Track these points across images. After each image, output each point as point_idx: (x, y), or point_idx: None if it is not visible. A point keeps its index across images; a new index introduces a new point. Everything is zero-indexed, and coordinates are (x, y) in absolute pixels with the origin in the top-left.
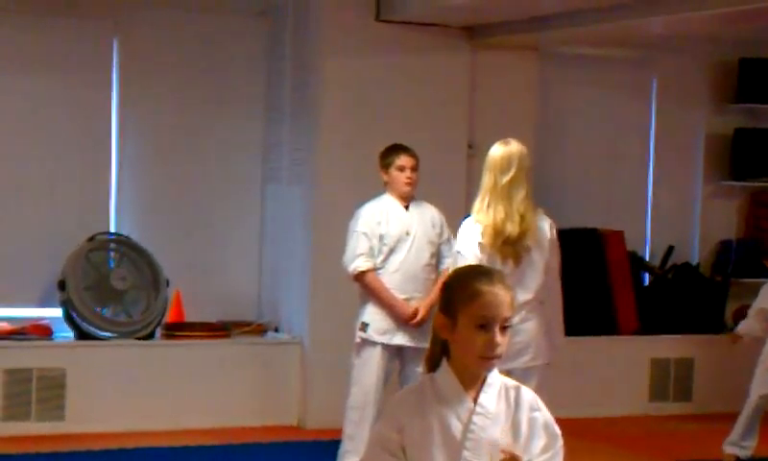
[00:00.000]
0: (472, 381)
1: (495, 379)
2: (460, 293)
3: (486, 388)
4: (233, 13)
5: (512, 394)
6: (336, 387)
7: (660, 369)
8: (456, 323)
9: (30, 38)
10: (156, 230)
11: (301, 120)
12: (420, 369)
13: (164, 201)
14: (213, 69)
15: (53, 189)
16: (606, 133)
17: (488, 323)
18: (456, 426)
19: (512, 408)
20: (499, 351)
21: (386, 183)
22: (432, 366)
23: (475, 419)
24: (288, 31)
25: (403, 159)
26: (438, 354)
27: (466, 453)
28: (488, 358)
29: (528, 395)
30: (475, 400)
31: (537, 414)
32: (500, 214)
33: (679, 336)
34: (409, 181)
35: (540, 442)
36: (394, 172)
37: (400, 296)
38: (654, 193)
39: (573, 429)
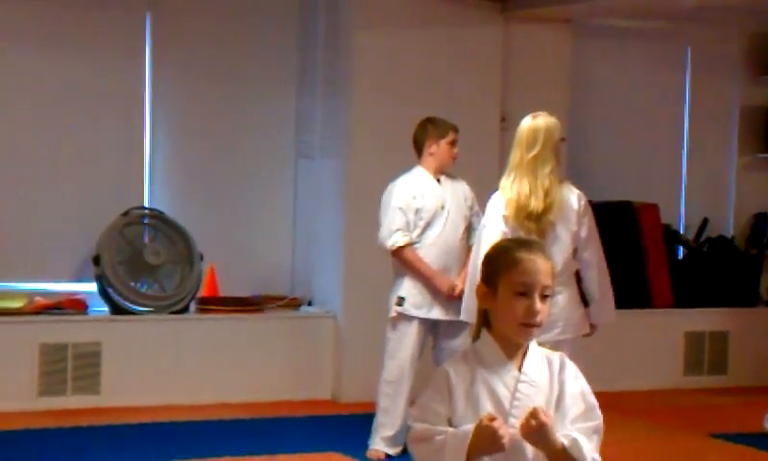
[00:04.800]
0: (514, 351)
1: (536, 349)
2: (500, 262)
3: (529, 358)
4: None
5: (555, 363)
6: (370, 361)
7: (695, 342)
8: (497, 291)
9: (62, 15)
10: (189, 205)
11: (334, 94)
12: (455, 342)
13: (198, 176)
14: (246, 43)
15: (87, 164)
16: (640, 105)
17: (527, 290)
18: (503, 393)
19: (555, 378)
20: (539, 318)
21: (429, 155)
22: (476, 337)
23: (521, 387)
24: (320, 4)
25: (454, 134)
26: (480, 325)
27: (512, 420)
28: (528, 325)
29: (570, 364)
30: (519, 369)
31: (576, 382)
32: (525, 189)
33: (713, 309)
34: (455, 156)
35: (576, 409)
36: (444, 146)
37: (438, 269)
38: (688, 166)
39: (607, 403)
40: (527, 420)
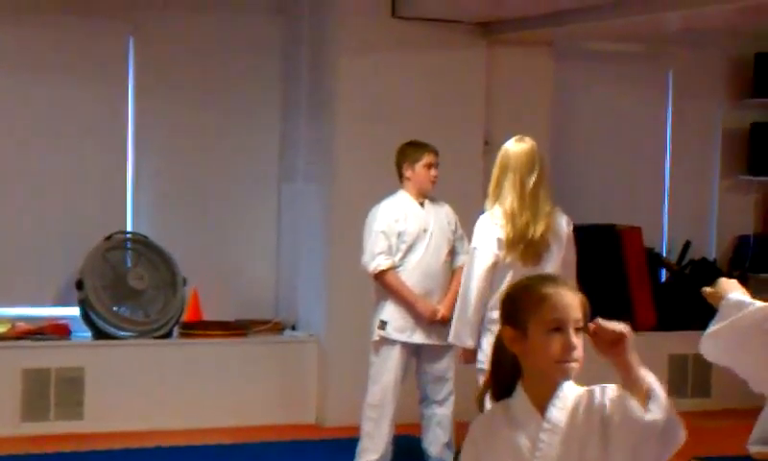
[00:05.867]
0: (547, 396)
1: (570, 391)
2: (526, 300)
3: (555, 401)
4: (249, 12)
5: (596, 394)
6: (354, 385)
7: (679, 365)
8: (526, 332)
9: (45, 38)
10: (172, 230)
11: (317, 118)
12: (439, 365)
13: (181, 200)
14: (229, 67)
15: (70, 189)
16: (622, 128)
17: (561, 325)
18: (525, 445)
19: (595, 407)
20: (576, 354)
21: (406, 179)
22: (500, 391)
23: (542, 435)
24: (304, 28)
25: (431, 157)
26: (506, 377)
27: None
28: (566, 362)
29: (609, 389)
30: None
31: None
32: (527, 217)
33: (697, 332)
34: (434, 179)
35: (633, 404)
36: (420, 169)
37: (419, 293)
38: (671, 189)
39: None
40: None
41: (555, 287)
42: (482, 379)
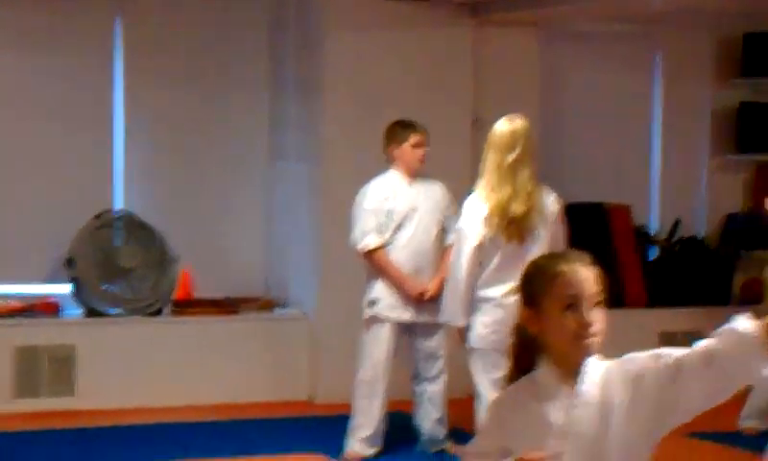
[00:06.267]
0: (573, 372)
1: (595, 367)
2: (539, 279)
3: (583, 378)
4: None
5: (618, 378)
6: (345, 362)
7: (669, 342)
8: (541, 311)
9: (32, 16)
10: (162, 208)
11: (306, 97)
12: (430, 343)
13: (171, 178)
14: (218, 46)
15: (59, 167)
16: (611, 107)
17: (575, 301)
18: (557, 420)
19: (630, 387)
20: (594, 329)
21: (395, 159)
22: (520, 370)
23: (573, 411)
24: (291, 7)
25: (418, 137)
26: (528, 355)
27: (565, 446)
28: (583, 338)
29: (627, 364)
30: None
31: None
32: (506, 193)
33: (687, 309)
34: (422, 158)
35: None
36: (407, 148)
37: (409, 272)
38: (660, 167)
39: None
40: None
41: (568, 264)
42: (473, 358)
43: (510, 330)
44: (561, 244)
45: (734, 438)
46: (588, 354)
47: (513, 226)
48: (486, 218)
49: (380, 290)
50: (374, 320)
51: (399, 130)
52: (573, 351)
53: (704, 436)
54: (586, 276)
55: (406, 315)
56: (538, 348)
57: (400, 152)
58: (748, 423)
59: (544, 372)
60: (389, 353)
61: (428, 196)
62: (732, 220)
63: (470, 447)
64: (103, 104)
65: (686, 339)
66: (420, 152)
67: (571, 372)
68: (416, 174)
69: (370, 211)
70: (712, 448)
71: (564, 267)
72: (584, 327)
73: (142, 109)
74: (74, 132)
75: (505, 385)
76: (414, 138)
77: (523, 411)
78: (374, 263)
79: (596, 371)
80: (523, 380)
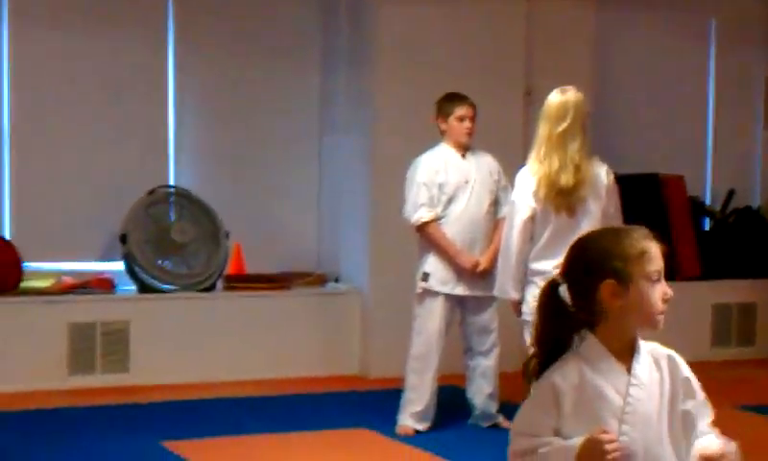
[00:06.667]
0: (622, 352)
1: (644, 347)
2: (630, 253)
3: (638, 358)
4: None
5: (664, 362)
6: (397, 336)
7: (723, 314)
8: (630, 285)
9: None
10: (214, 184)
11: (358, 70)
12: (482, 317)
13: (222, 154)
14: (269, 20)
15: (112, 144)
16: (665, 76)
17: (660, 276)
18: (614, 399)
19: (667, 378)
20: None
21: (443, 132)
22: (549, 352)
23: (632, 391)
24: None
25: (463, 109)
26: (561, 335)
27: (624, 427)
28: (662, 313)
29: (681, 360)
30: (629, 371)
31: (690, 377)
32: (555, 165)
33: (741, 281)
34: (468, 131)
35: (701, 407)
36: (453, 122)
37: (462, 245)
38: (714, 137)
39: None
40: None
41: (647, 239)
42: (527, 332)
43: (544, 301)
44: (614, 217)
45: None
46: (659, 328)
47: (561, 198)
48: (534, 191)
49: (433, 264)
50: (427, 294)
51: (446, 103)
52: (653, 325)
53: (758, 410)
54: (660, 251)
55: (459, 289)
56: (576, 323)
57: (447, 125)
58: None
59: (596, 350)
60: (441, 328)
61: (480, 168)
62: None
63: (521, 424)
64: (156, 80)
65: (740, 310)
66: (466, 125)
67: (625, 349)
68: (465, 147)
69: (422, 184)
70: (767, 420)
71: (647, 242)
72: (667, 300)
73: (194, 85)
74: (128, 109)
75: (536, 357)
76: (459, 111)
77: (586, 386)
78: (427, 237)
79: (646, 353)
80: (571, 357)
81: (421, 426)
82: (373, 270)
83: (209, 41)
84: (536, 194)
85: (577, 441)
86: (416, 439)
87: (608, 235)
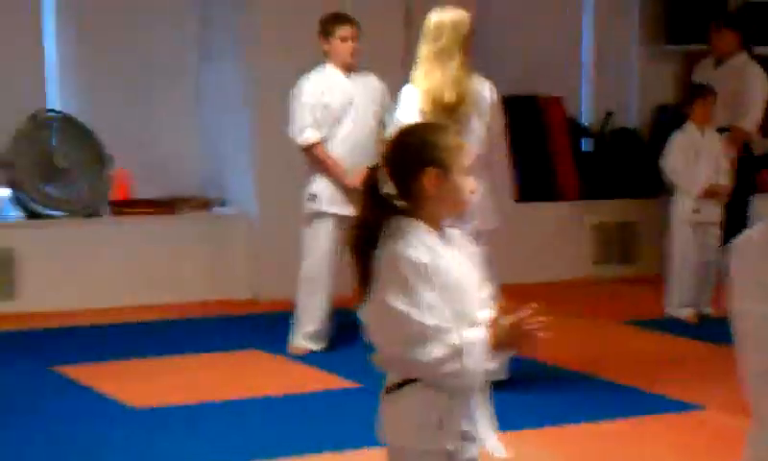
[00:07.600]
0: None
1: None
2: (450, 145)
3: (448, 236)
4: None
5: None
6: (287, 260)
7: (603, 233)
8: (449, 174)
9: None
10: (96, 108)
11: None
12: None
13: (104, 80)
14: None
15: None
16: None
17: (467, 170)
18: (464, 262)
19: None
20: None
21: (326, 52)
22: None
23: (467, 254)
24: None
25: (346, 30)
26: (377, 220)
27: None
28: (469, 202)
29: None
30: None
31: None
32: (436, 81)
33: (620, 200)
34: (352, 51)
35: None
36: (336, 42)
37: (348, 166)
38: (591, 58)
39: (517, 294)
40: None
41: (459, 135)
42: None
43: (365, 186)
44: (499, 136)
45: (674, 325)
46: (463, 217)
47: (446, 114)
48: (420, 107)
49: (320, 185)
50: (315, 215)
51: (329, 23)
52: (458, 212)
53: (643, 324)
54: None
55: (347, 209)
56: (390, 208)
57: (330, 45)
58: (674, 311)
59: (417, 228)
60: (331, 248)
61: (365, 89)
62: (662, 111)
63: (421, 325)
64: (35, 3)
65: (620, 229)
66: (349, 45)
67: (436, 230)
68: (350, 68)
69: (307, 106)
70: (653, 335)
71: (461, 139)
72: (473, 193)
73: (74, 8)
74: (5, 30)
75: (357, 230)
76: (342, 31)
77: (437, 253)
78: (314, 158)
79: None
80: (397, 235)
81: (315, 346)
82: (260, 193)
83: None
84: (421, 110)
85: (483, 326)
86: (308, 358)
87: (428, 128)
